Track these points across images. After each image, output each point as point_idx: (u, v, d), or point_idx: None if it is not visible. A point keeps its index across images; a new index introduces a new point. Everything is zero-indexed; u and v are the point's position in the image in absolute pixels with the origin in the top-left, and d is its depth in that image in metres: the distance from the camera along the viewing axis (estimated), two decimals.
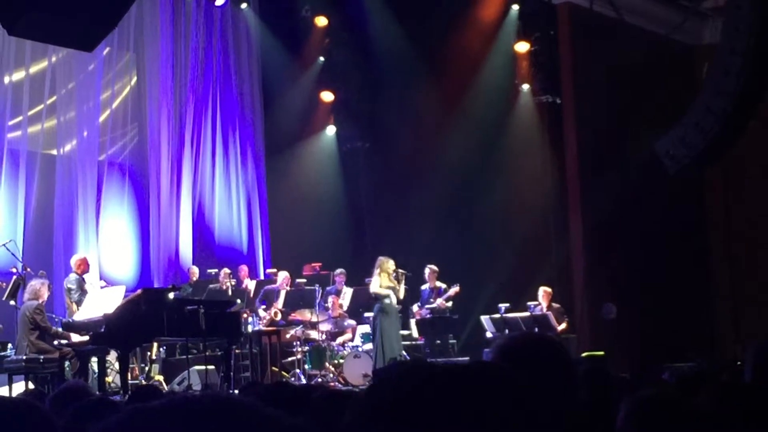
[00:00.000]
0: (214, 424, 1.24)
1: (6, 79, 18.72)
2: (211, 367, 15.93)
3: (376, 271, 16.98)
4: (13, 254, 16.47)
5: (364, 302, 18.74)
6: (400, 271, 17.15)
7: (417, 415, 1.57)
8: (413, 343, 18.57)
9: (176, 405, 1.27)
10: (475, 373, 1.66)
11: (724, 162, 18.20)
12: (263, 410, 1.28)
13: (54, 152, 19.47)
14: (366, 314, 18.32)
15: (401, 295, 17.15)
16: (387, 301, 16.73)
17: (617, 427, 3.19)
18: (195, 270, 19.56)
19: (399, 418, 1.58)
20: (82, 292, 15.70)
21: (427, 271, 18.90)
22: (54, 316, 15.46)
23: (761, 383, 4.25)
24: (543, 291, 18.24)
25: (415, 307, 18.75)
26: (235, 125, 22.23)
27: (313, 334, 17.87)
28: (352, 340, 18.40)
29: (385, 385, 1.66)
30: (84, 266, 16.09)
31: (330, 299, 18.55)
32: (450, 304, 18.65)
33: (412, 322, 18.80)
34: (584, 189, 19.72)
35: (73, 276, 15.95)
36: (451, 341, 18.82)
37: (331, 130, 23.49)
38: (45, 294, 14.66)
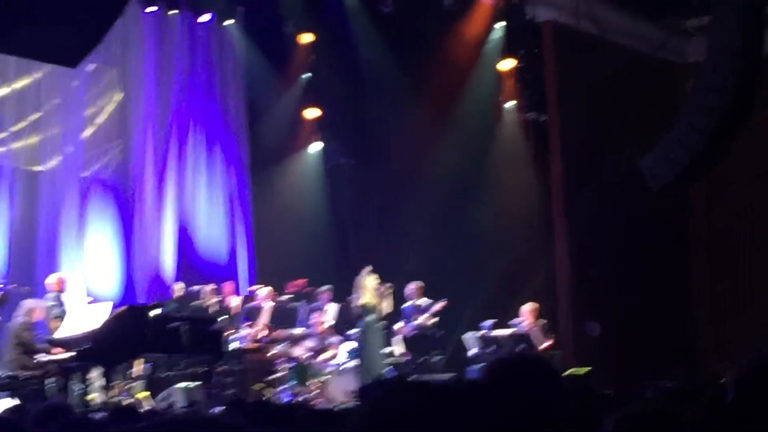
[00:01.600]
0: None
1: None
2: (197, 383, 15.86)
3: (358, 291, 16.92)
4: None
5: (348, 318, 18.71)
6: (386, 285, 17.11)
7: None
8: (397, 359, 18.50)
9: (160, 427, 1.26)
10: (458, 392, 1.67)
11: (708, 179, 18.28)
12: (245, 429, 1.27)
13: (38, 168, 19.41)
14: (350, 331, 18.29)
15: (388, 310, 17.13)
16: (370, 318, 16.70)
17: None
18: (178, 286, 19.48)
19: None
20: (59, 308, 15.67)
21: (412, 287, 18.86)
22: (37, 333, 15.38)
23: (743, 402, 4.25)
24: (529, 306, 18.21)
25: (397, 325, 18.69)
26: (220, 141, 22.19)
27: (297, 351, 17.82)
28: (334, 357, 18.34)
29: (370, 405, 1.66)
30: (59, 285, 16.08)
31: (314, 315, 18.52)
32: (436, 319, 18.62)
33: (396, 339, 18.73)
34: (568, 204, 19.77)
35: (51, 294, 15.93)
36: (436, 357, 18.78)
37: (316, 147, 23.47)
38: (37, 315, 14.68)
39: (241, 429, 1.26)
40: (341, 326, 18.96)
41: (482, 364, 15.58)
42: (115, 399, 14.91)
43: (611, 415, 3.33)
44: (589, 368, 16.82)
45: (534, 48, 20.68)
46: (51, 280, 16.21)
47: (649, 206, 18.68)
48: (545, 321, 18.27)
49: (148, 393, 16.43)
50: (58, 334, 14.56)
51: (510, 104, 21.45)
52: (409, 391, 1.68)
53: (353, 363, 17.41)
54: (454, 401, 1.63)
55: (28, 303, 14.72)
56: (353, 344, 17.97)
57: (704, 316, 21.09)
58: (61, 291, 16.02)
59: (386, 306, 17.17)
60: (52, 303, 15.74)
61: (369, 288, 16.92)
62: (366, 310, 16.73)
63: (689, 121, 13.92)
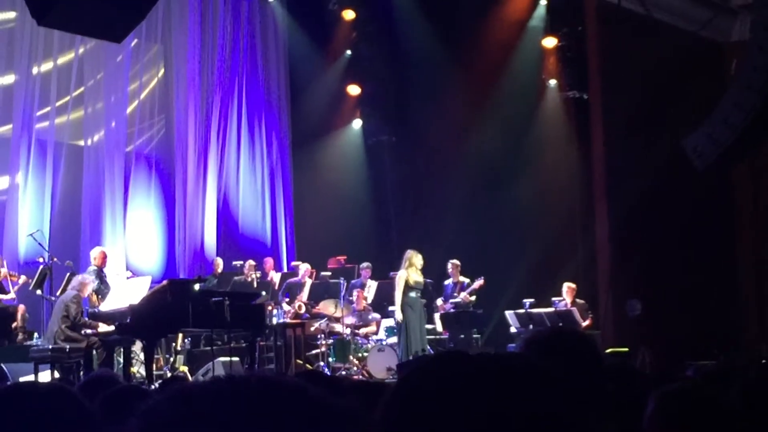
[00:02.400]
0: (263, 404, 1.25)
1: (34, 70, 18.80)
2: (236, 358, 15.96)
3: (404, 264, 16.90)
4: (39, 244, 16.57)
5: (388, 296, 18.74)
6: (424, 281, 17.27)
7: (456, 402, 1.58)
8: (437, 337, 18.56)
9: (223, 385, 1.28)
10: (496, 363, 1.67)
11: (753, 160, 18.14)
12: (312, 391, 1.29)
13: (81, 143, 19.55)
14: (390, 308, 18.32)
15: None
16: (412, 294, 16.70)
17: (645, 420, 3.20)
18: (219, 261, 19.58)
19: (437, 405, 1.58)
20: (101, 281, 15.78)
21: (450, 265, 18.87)
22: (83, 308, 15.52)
23: None
24: (567, 287, 18.20)
25: (439, 302, 18.72)
26: (262, 117, 22.26)
27: (338, 327, 17.90)
28: (376, 333, 18.40)
29: (422, 373, 1.66)
30: (102, 259, 16.19)
31: (355, 292, 18.57)
32: (474, 298, 18.61)
33: (436, 316, 18.78)
34: (610, 185, 19.68)
35: (91, 268, 16.04)
36: (475, 336, 18.81)
37: (357, 124, 23.48)
38: (88, 290, 14.81)
39: (307, 391, 1.28)
40: (381, 303, 19.01)
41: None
42: (158, 373, 15.07)
43: (654, 393, 3.33)
44: (627, 349, 16.79)
45: (577, 26, 20.57)
46: (94, 253, 16.33)
47: (692, 186, 18.55)
48: (584, 301, 18.24)
49: (186, 368, 16.57)
50: (103, 308, 14.69)
51: (552, 82, 21.36)
52: (446, 362, 1.68)
53: (393, 339, 17.46)
54: (492, 373, 1.62)
55: (81, 277, 14.86)
56: (392, 321, 18.01)
57: (748, 296, 20.96)
58: (102, 266, 16.13)
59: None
60: (92, 276, 15.87)
61: (415, 264, 16.90)
62: (410, 287, 16.71)
63: (734, 100, 13.82)
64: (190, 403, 1.26)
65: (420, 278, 16.82)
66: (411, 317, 16.66)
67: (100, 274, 15.94)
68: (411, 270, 16.78)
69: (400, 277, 16.81)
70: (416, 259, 16.93)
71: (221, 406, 1.25)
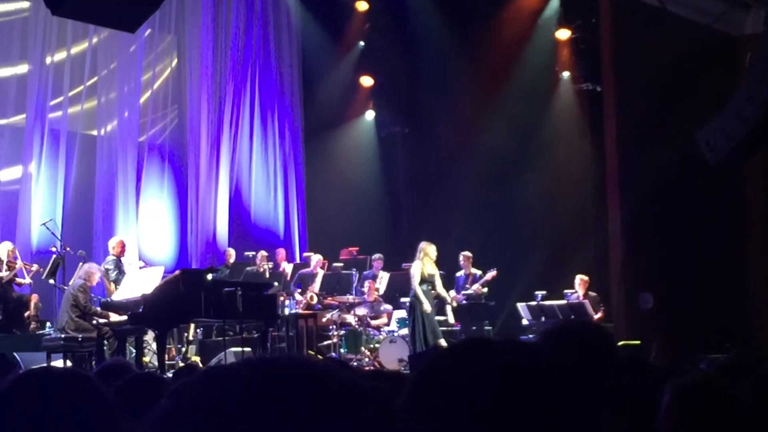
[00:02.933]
0: (293, 385, 1.25)
1: (48, 60, 18.84)
2: (248, 349, 15.99)
3: (419, 255, 16.81)
4: (52, 233, 16.60)
5: (400, 287, 18.75)
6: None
7: (469, 396, 1.58)
8: (449, 329, 18.55)
9: (254, 366, 1.28)
10: (511, 353, 1.67)
11: (766, 154, 18.08)
12: (341, 372, 1.29)
13: (94, 133, 19.59)
14: (402, 299, 18.33)
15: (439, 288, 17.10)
16: (424, 287, 16.66)
17: (660, 413, 3.20)
18: (231, 252, 19.61)
19: (452, 398, 1.58)
20: (120, 271, 15.81)
21: (461, 257, 18.86)
22: (94, 296, 15.54)
23: None
24: (579, 279, 18.19)
25: (451, 293, 18.71)
26: (274, 108, 22.27)
27: (349, 319, 17.91)
28: (387, 324, 18.41)
29: (420, 370, 1.67)
30: (120, 248, 16.21)
31: (366, 284, 18.58)
32: (486, 290, 18.62)
33: (448, 308, 18.77)
34: (623, 177, 19.62)
35: (110, 258, 16.07)
36: (486, 328, 18.81)
37: (369, 115, 23.48)
38: (96, 279, 14.85)
39: (336, 373, 1.28)
40: (393, 294, 19.02)
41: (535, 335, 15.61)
42: (170, 363, 15.11)
43: (669, 385, 3.33)
44: (639, 342, 16.76)
45: (591, 17, 20.52)
46: (113, 242, 16.36)
47: (704, 180, 18.50)
48: (596, 294, 18.22)
49: (198, 358, 16.60)
50: (116, 297, 14.72)
51: (565, 75, 21.33)
52: (460, 351, 1.68)
53: (405, 330, 17.47)
54: (507, 363, 1.63)
55: (87, 266, 14.89)
56: (404, 312, 18.02)
57: (759, 290, 20.90)
58: (121, 255, 16.16)
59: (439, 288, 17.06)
60: (111, 266, 15.89)
61: (429, 256, 16.81)
62: (423, 279, 16.65)
63: (747, 94, 13.77)
64: (223, 382, 1.26)
65: (434, 270, 16.76)
66: (421, 310, 16.58)
67: (118, 264, 15.98)
68: (426, 261, 16.70)
69: (416, 269, 16.71)
70: (430, 249, 16.83)
71: (255, 385, 1.25)
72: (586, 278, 18.23)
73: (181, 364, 15.22)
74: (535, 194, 20.72)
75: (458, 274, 18.96)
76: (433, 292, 16.92)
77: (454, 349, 1.71)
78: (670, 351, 16.99)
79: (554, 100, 21.46)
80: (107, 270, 15.91)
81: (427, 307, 16.42)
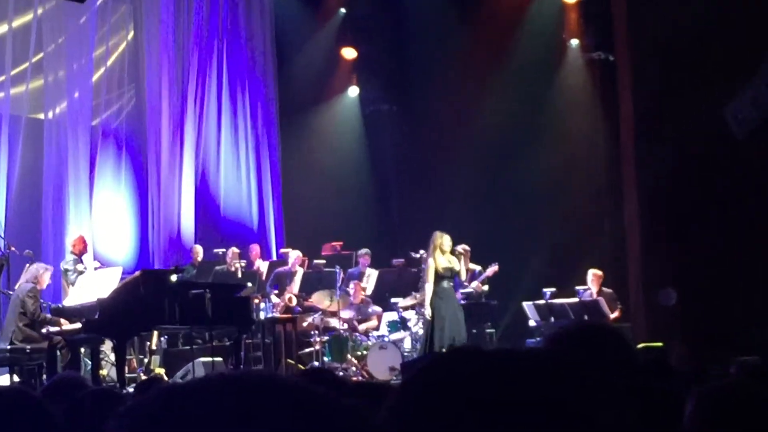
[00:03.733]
0: (260, 407, 1.25)
1: None
2: (218, 359, 15.99)
3: (431, 250, 16.70)
4: None
5: (390, 286, 18.74)
6: (461, 248, 16.92)
7: (457, 410, 1.57)
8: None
9: (217, 384, 1.27)
10: (513, 361, 1.66)
11: None
12: (316, 391, 1.28)
13: (41, 116, 19.51)
14: (393, 300, 18.33)
15: (463, 276, 17.02)
16: (444, 284, 16.55)
17: (685, 421, 3.21)
18: (199, 249, 19.58)
19: (440, 410, 1.58)
20: (79, 273, 15.78)
21: (458, 251, 18.83)
22: (43, 302, 15.46)
23: None
24: (592, 274, 18.18)
25: None
26: (245, 86, 22.21)
27: (333, 323, 17.91)
28: (377, 329, 18.42)
29: (426, 375, 1.66)
30: (82, 246, 16.17)
31: (352, 284, 18.58)
32: (486, 287, 18.60)
33: None
34: (641, 158, 19.63)
35: (70, 256, 16.03)
36: (488, 330, 18.81)
37: (353, 91, 23.46)
38: (46, 281, 14.80)
39: (307, 389, 1.27)
40: (383, 294, 19.01)
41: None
42: (131, 376, 15.08)
43: (694, 392, 3.34)
44: (661, 343, 16.76)
45: None
46: (72, 239, 16.32)
47: (733, 157, 18.51)
48: (611, 290, 18.23)
49: (163, 370, 16.59)
50: (66, 303, 14.69)
51: (574, 42, 21.32)
52: (455, 359, 1.68)
53: (397, 335, 17.46)
54: (508, 372, 1.61)
55: (35, 267, 14.82)
56: (395, 315, 18.02)
57: None
58: (82, 253, 16.11)
59: (462, 272, 16.95)
60: (70, 267, 15.84)
61: (442, 248, 16.69)
62: (440, 275, 16.53)
63: None
64: (176, 402, 1.25)
65: (450, 264, 16.62)
66: (441, 310, 16.43)
67: (79, 263, 15.94)
68: (438, 255, 16.59)
69: (429, 266, 16.59)
70: (443, 241, 16.68)
71: (217, 406, 1.24)
72: (599, 273, 18.22)
73: (144, 377, 15.22)
74: (541, 178, 20.72)
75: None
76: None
77: (437, 362, 1.70)
78: (696, 353, 17.01)
79: (562, 70, 21.47)
80: (66, 271, 15.87)
81: (428, 311, 16.38)
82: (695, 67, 19.15)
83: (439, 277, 16.45)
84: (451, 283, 16.67)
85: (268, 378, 1.28)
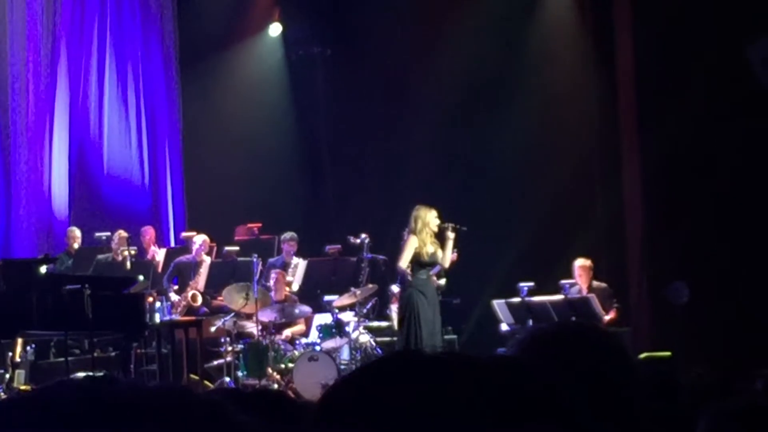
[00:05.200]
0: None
1: None
2: (101, 373, 15.94)
3: (414, 225, 16.64)
4: None
5: (322, 280, 18.76)
6: (450, 225, 16.88)
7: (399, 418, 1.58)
8: (392, 338, 18.54)
9: (84, 395, 1.27)
10: (476, 371, 1.67)
11: None
12: (221, 409, 1.28)
13: None
14: (327, 297, 18.35)
15: (446, 263, 17.00)
16: (422, 275, 16.58)
17: None
18: (76, 233, 19.52)
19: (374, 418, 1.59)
20: None
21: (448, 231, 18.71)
22: None
23: None
24: (580, 264, 18.25)
25: (394, 288, 18.71)
26: (135, 23, 22.11)
27: (249, 327, 17.91)
28: (305, 335, 18.43)
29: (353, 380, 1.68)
30: None
31: (273, 275, 18.57)
32: (444, 281, 18.55)
33: (393, 308, 18.78)
34: (644, 118, 19.75)
35: None
36: (449, 336, 18.86)
37: (275, 30, 23.41)
38: None
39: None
40: (313, 290, 19.01)
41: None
42: None
43: (707, 410, 3.36)
44: (670, 353, 16.89)
45: None
46: None
47: (750, 130, 18.64)
48: (605, 285, 18.33)
49: (29, 387, 16.53)
50: None
51: None
52: (401, 369, 1.69)
53: (331, 343, 17.49)
54: (469, 384, 1.63)
55: None
56: (329, 317, 18.05)
57: None
58: None
59: (446, 258, 16.95)
60: None
61: (428, 226, 16.65)
62: (422, 262, 16.54)
63: None
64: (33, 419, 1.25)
65: (435, 249, 16.63)
66: (420, 306, 16.47)
67: None
68: (424, 235, 16.54)
69: (409, 246, 16.55)
70: (430, 217, 16.67)
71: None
72: (588, 263, 18.27)
73: (4, 396, 15.16)
74: (518, 144, 20.79)
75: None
76: (434, 279, 16.85)
77: (369, 370, 1.72)
78: (713, 364, 17.14)
79: (545, 8, 21.51)
80: None
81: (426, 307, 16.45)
82: (711, 5, 19.24)
83: (419, 264, 16.48)
84: (431, 275, 16.72)
85: (154, 391, 1.28)
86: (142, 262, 19.10)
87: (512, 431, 1.58)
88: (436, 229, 16.57)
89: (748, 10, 17.78)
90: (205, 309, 18.41)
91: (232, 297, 18.02)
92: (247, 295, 17.90)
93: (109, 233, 19.51)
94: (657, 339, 18.16)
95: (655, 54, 19.67)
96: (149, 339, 16.89)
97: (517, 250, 19.74)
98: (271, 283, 18.58)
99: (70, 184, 20.96)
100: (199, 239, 19.01)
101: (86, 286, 13.89)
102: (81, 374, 15.52)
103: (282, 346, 17.90)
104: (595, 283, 18.23)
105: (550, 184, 20.29)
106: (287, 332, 18.34)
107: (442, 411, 1.59)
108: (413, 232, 16.44)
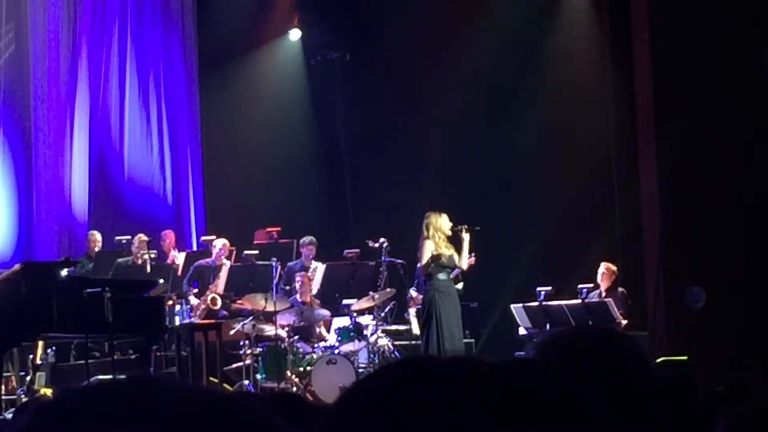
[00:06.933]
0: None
1: None
2: (122, 376, 15.93)
3: (427, 232, 16.72)
4: None
5: (340, 284, 18.75)
6: (463, 227, 16.91)
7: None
8: (411, 342, 18.55)
9: (111, 398, 1.27)
10: (506, 372, 1.67)
11: None
12: (249, 407, 1.28)
13: None
14: (345, 301, 18.34)
15: (464, 264, 17.03)
16: (442, 276, 16.61)
17: None
18: (97, 237, 19.55)
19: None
20: None
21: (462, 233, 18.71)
22: None
23: None
24: (604, 268, 18.22)
25: (412, 292, 18.70)
26: (157, 28, 22.13)
27: (269, 330, 17.91)
28: (324, 339, 18.43)
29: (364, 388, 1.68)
30: None
31: (298, 278, 18.57)
32: (461, 285, 18.54)
33: (411, 312, 18.78)
34: (660, 121, 19.70)
35: None
36: (467, 340, 18.84)
37: (294, 35, 23.44)
38: None
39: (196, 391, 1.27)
40: (332, 294, 19.01)
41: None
42: (9, 398, 15.02)
43: (725, 414, 3.34)
44: (686, 357, 16.85)
45: None
46: None
47: None
48: (623, 290, 18.31)
49: (50, 390, 16.54)
50: None
51: None
52: (416, 372, 1.69)
53: (349, 346, 17.48)
54: (484, 388, 1.64)
55: None
56: (347, 320, 18.03)
57: None
58: None
59: (463, 260, 17.00)
60: None
61: (441, 230, 16.72)
62: (441, 264, 16.57)
63: None
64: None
65: (451, 252, 16.68)
66: (442, 307, 16.52)
67: None
68: (436, 240, 16.62)
69: (426, 247, 16.62)
70: (441, 222, 16.75)
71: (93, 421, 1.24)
72: (613, 267, 18.28)
73: (25, 399, 15.17)
74: (535, 148, 20.79)
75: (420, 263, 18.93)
76: (454, 288, 16.90)
77: (384, 373, 1.71)
78: (731, 368, 17.09)
79: (561, 9, 21.51)
80: None
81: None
82: (731, 3, 19.19)
83: (438, 267, 16.53)
84: (451, 277, 16.76)
85: (186, 393, 1.28)
86: (162, 265, 19.10)
87: None
88: (449, 233, 16.65)
89: (765, 17, 17.74)
90: (225, 312, 18.42)
91: (253, 300, 18.03)
92: (266, 298, 17.92)
93: (129, 237, 19.53)
94: (673, 343, 18.12)
95: (673, 56, 19.63)
96: (169, 342, 16.91)
97: (535, 254, 19.74)
98: (297, 284, 18.60)
99: (90, 188, 20.98)
100: (219, 243, 19.04)
101: (106, 289, 13.87)
102: (101, 377, 15.56)
103: (301, 349, 17.91)
104: (616, 288, 18.23)
105: (567, 188, 20.27)
106: (307, 336, 18.34)
107: (457, 415, 1.59)
108: (427, 239, 16.51)
